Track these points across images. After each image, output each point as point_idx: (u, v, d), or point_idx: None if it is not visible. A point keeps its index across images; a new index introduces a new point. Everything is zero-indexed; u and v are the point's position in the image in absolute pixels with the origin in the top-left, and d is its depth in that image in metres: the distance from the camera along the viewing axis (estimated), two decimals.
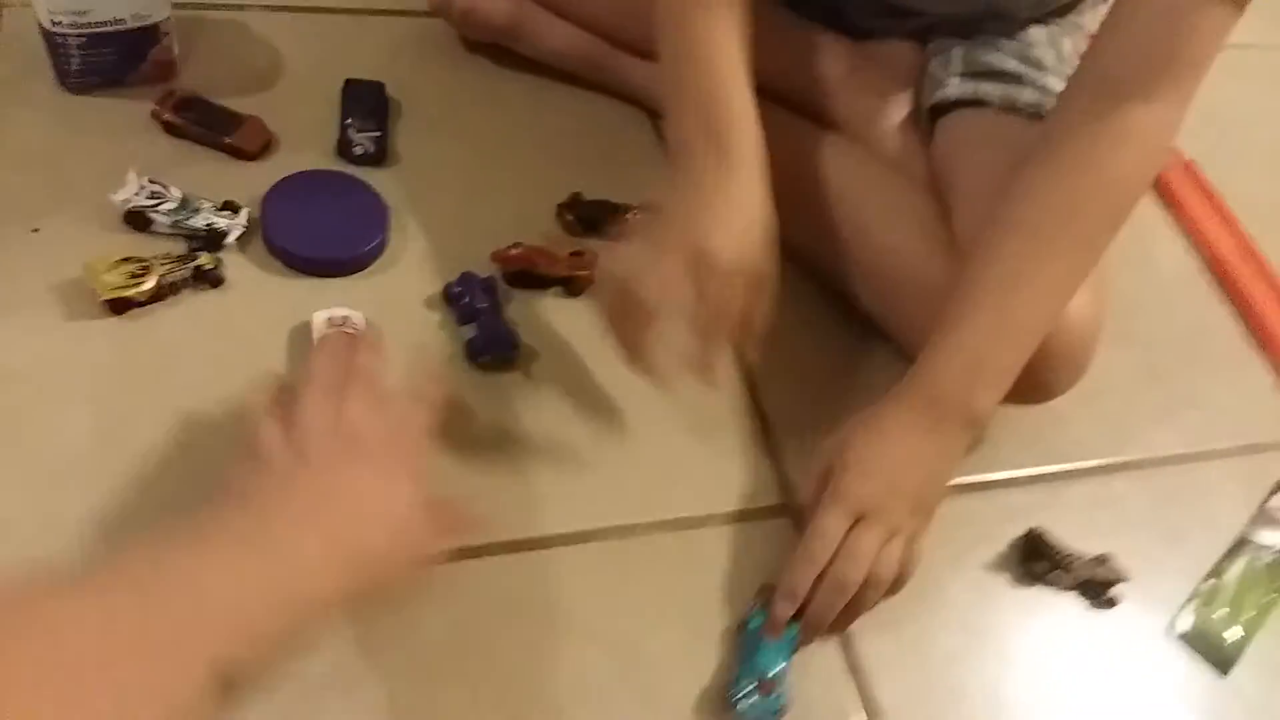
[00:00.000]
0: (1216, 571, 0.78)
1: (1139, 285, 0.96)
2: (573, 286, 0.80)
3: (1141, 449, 0.85)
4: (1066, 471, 0.82)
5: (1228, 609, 0.76)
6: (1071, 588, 0.75)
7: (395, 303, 0.76)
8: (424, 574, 0.55)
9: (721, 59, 0.70)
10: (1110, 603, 0.75)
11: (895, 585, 0.67)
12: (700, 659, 0.66)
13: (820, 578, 0.65)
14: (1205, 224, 1.04)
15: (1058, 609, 0.74)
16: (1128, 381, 0.89)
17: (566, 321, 0.79)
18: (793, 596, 0.66)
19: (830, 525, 0.66)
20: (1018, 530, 0.77)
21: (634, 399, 0.76)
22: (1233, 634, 0.75)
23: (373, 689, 0.60)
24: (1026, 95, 0.82)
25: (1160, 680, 0.73)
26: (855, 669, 0.68)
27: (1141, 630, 0.75)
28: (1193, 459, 0.86)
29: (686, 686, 0.64)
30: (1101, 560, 0.75)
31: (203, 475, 0.66)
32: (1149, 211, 1.05)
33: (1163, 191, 1.07)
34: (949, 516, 0.76)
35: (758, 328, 0.69)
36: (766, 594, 0.68)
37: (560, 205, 0.84)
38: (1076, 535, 0.76)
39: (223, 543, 0.45)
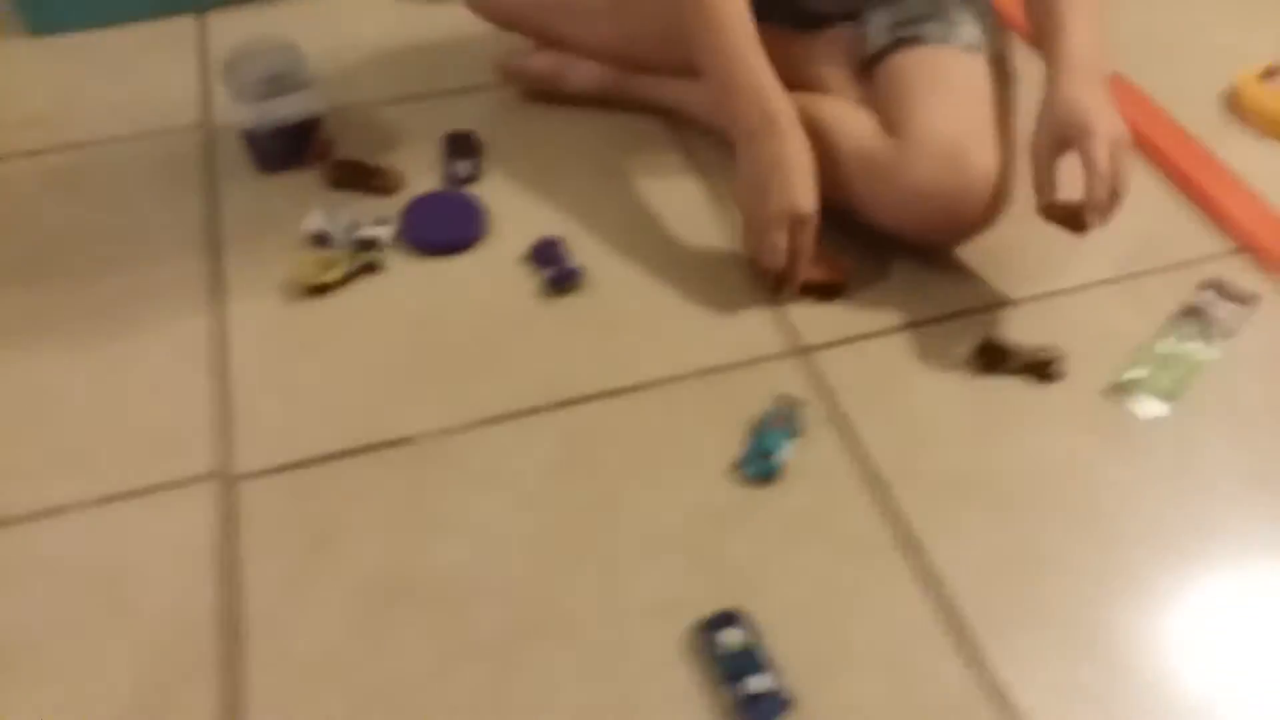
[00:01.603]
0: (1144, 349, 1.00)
1: None
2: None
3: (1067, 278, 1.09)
4: (1010, 299, 1.07)
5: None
6: (1019, 371, 0.98)
7: (498, 261, 1.10)
8: None
9: (755, 59, 1.03)
10: (1052, 378, 0.98)
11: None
12: (729, 451, 0.93)
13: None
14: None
15: (1011, 388, 0.98)
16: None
17: (623, 259, 1.10)
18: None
19: (1100, 153, 0.94)
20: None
21: (659, 280, 1.06)
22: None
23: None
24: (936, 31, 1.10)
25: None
26: (850, 438, 0.94)
27: (1081, 391, 0.97)
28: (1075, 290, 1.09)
29: (720, 465, 0.92)
30: (1042, 347, 0.98)
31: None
32: None
33: None
34: (929, 345, 1.01)
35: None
36: (780, 400, 0.95)
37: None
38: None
39: None
